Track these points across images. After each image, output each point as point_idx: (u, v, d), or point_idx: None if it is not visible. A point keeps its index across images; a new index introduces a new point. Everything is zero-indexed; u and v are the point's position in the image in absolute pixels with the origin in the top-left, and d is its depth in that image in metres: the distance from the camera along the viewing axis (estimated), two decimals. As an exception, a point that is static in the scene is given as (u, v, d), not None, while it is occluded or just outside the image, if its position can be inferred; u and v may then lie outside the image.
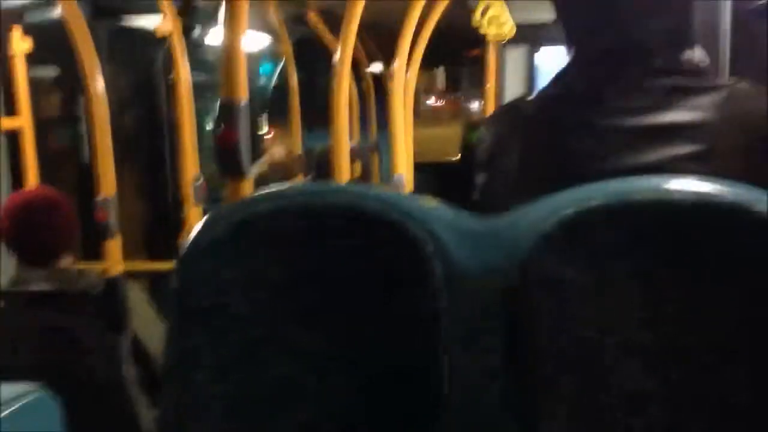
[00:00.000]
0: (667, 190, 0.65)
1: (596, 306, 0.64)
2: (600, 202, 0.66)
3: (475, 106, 6.51)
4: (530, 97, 1.02)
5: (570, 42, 0.98)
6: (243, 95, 1.03)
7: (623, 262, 0.64)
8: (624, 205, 0.66)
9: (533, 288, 0.66)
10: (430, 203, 0.75)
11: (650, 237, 0.64)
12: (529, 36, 4.27)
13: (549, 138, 0.93)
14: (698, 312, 0.62)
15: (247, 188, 1.09)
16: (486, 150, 1.04)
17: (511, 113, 1.05)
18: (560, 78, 0.99)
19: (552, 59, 4.53)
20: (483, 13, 2.79)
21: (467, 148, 4.63)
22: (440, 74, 7.11)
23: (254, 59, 5.01)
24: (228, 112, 1.02)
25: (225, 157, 1.05)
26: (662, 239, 0.63)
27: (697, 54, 0.93)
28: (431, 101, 7.23)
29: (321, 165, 3.72)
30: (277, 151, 3.95)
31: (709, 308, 0.62)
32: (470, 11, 2.91)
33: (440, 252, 0.68)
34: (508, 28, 2.85)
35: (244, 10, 1.19)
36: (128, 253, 2.85)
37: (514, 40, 3.18)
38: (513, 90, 4.47)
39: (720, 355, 0.62)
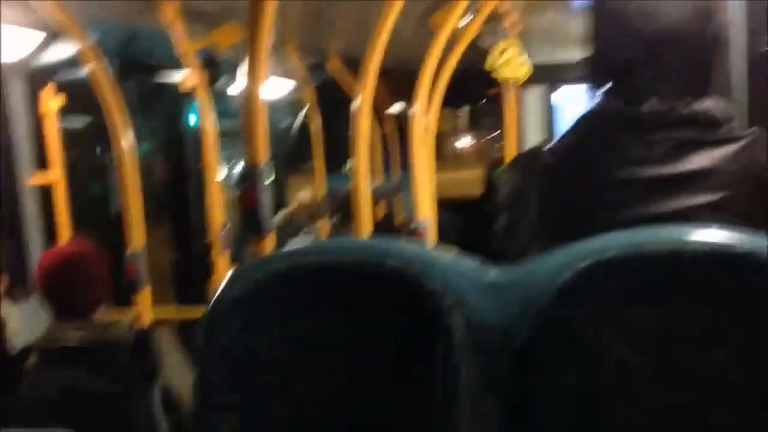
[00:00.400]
0: (682, 241, 0.65)
1: (613, 357, 0.64)
2: (615, 253, 0.67)
3: (498, 145, 6.54)
4: (549, 145, 1.03)
5: (597, 87, 0.99)
6: (263, 156, 1.06)
7: (639, 313, 0.64)
8: (639, 256, 0.66)
9: (550, 340, 0.66)
10: (448, 255, 0.76)
11: (666, 288, 0.64)
12: (548, 76, 4.31)
13: (567, 187, 0.94)
14: (716, 364, 0.62)
15: (269, 243, 1.11)
16: (506, 196, 1.05)
17: (529, 161, 1.06)
18: (579, 126, 1.00)
19: (571, 98, 4.55)
20: (496, 57, 2.80)
21: (490, 185, 4.64)
22: (464, 115, 7.15)
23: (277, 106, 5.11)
24: (250, 173, 1.05)
25: (247, 215, 1.08)
26: (678, 290, 0.64)
27: (715, 104, 0.93)
28: (458, 142, 7.25)
29: (343, 207, 3.75)
30: (303, 196, 4.00)
31: (727, 360, 0.62)
32: (487, 53, 2.94)
33: (458, 305, 0.69)
34: (524, 71, 2.85)
35: (265, 65, 1.23)
36: (158, 299, 2.89)
37: (533, 80, 3.20)
38: (532, 129, 4.49)
39: (740, 413, 0.62)
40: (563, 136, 1.02)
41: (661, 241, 0.66)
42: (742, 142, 0.89)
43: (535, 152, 1.05)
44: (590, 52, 0.99)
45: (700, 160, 0.88)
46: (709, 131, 0.91)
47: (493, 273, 0.73)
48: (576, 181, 0.94)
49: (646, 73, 0.94)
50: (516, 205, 1.03)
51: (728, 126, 0.92)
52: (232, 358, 0.72)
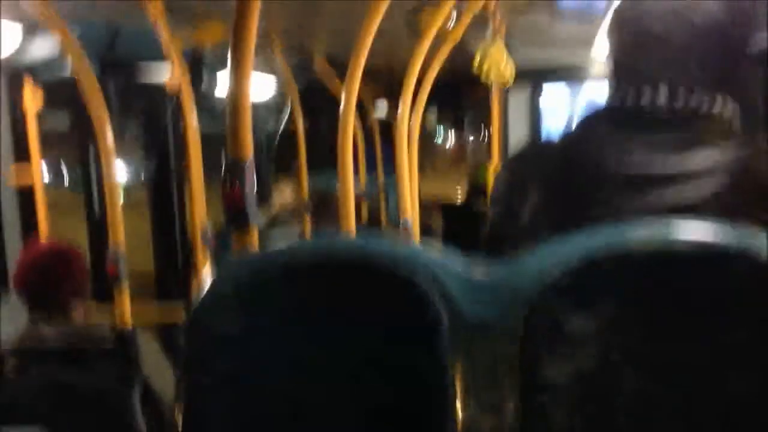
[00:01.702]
0: (670, 237, 0.66)
1: (602, 352, 0.64)
2: (605, 250, 0.67)
3: (480, 148, 6.58)
4: (555, 140, 1.02)
5: (614, 83, 0.98)
6: (248, 153, 1.05)
7: (628, 308, 0.64)
8: (628, 253, 0.66)
9: (539, 336, 0.66)
10: (437, 252, 0.75)
11: (654, 283, 0.64)
12: (532, 78, 4.33)
13: (568, 182, 0.94)
14: (703, 356, 0.62)
15: (254, 240, 1.10)
16: (504, 184, 1.04)
17: (534, 153, 1.06)
18: (586, 122, 1.00)
19: (555, 100, 4.57)
20: (482, 59, 2.81)
21: (473, 189, 4.65)
22: (446, 117, 7.18)
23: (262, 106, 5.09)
24: (234, 169, 1.05)
25: (232, 212, 1.07)
26: (666, 285, 0.64)
27: (716, 103, 0.94)
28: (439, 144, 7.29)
29: (318, 207, 3.76)
30: (284, 195, 4.00)
31: (714, 353, 0.62)
32: (472, 56, 2.94)
33: (447, 302, 0.69)
34: (509, 73, 2.86)
35: (250, 62, 1.21)
36: (138, 301, 2.86)
37: (518, 82, 3.21)
38: (517, 131, 4.50)
39: (727, 403, 0.62)
40: (570, 132, 1.01)
41: (650, 238, 0.66)
42: (738, 141, 0.90)
43: (541, 145, 1.05)
44: (606, 52, 1.00)
45: (699, 159, 0.88)
46: (710, 129, 0.92)
47: (482, 270, 0.73)
48: (577, 177, 0.94)
49: (650, 71, 0.94)
50: (513, 196, 1.02)
51: (729, 123, 0.93)
52: (219, 353, 0.71)
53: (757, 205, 0.85)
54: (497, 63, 2.79)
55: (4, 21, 2.47)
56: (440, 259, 0.73)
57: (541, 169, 0.98)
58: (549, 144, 1.03)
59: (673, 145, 0.90)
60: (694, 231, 0.65)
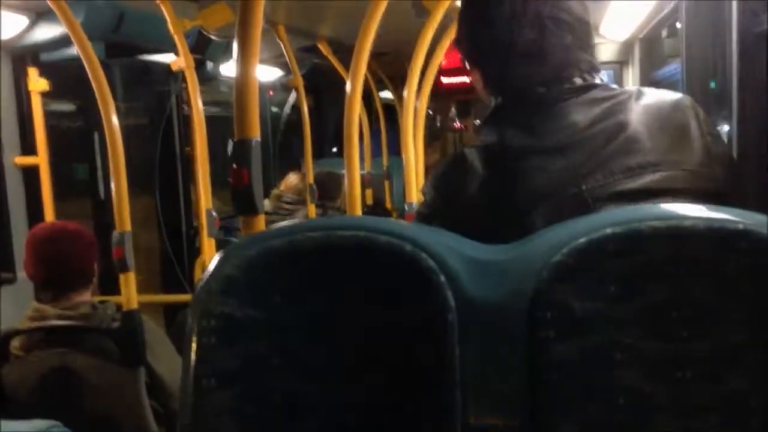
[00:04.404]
0: (678, 217, 0.65)
1: (608, 331, 0.64)
2: (612, 230, 0.67)
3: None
4: (475, 145, 1.00)
5: (496, 91, 1.02)
6: (255, 133, 1.05)
7: (634, 287, 0.64)
8: (635, 233, 0.66)
9: (545, 315, 0.66)
10: (443, 233, 0.75)
11: (660, 262, 0.64)
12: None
13: (492, 181, 0.93)
14: (709, 330, 0.62)
15: (260, 223, 1.10)
16: (436, 197, 1.01)
17: (459, 161, 1.02)
18: (492, 124, 1.00)
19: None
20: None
21: None
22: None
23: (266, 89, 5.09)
24: (241, 150, 1.04)
25: (239, 193, 1.06)
26: (672, 264, 0.64)
27: (598, 76, 0.99)
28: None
29: (323, 188, 3.78)
30: (291, 179, 4.01)
31: (720, 325, 0.62)
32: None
33: (452, 282, 0.68)
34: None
35: (257, 44, 1.21)
36: (143, 286, 2.87)
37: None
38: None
39: (728, 369, 0.62)
40: (484, 136, 1.00)
41: (657, 218, 0.65)
42: (632, 92, 0.95)
43: (463, 152, 1.02)
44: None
45: (607, 121, 0.92)
46: (603, 91, 0.97)
47: (488, 251, 0.73)
48: (499, 176, 0.94)
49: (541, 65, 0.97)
50: (447, 206, 0.99)
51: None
52: (225, 331, 0.71)
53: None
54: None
55: (9, 3, 2.46)
56: (447, 238, 0.73)
57: (470, 174, 0.96)
58: (472, 149, 1.00)
59: (581, 121, 0.94)
60: (700, 211, 0.65)
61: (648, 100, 0.95)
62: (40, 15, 2.72)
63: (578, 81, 0.96)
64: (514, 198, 0.90)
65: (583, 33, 1.00)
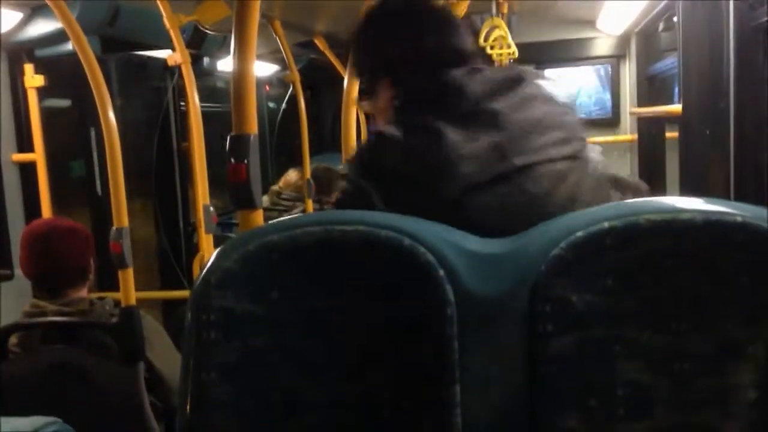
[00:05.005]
0: (676, 210, 0.66)
1: (607, 324, 0.64)
2: (610, 224, 0.67)
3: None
4: (388, 140, 1.00)
5: (400, 87, 1.08)
6: (253, 128, 1.05)
7: (633, 281, 0.64)
8: (633, 226, 0.66)
9: (544, 309, 0.66)
10: (441, 228, 0.75)
11: (659, 255, 0.64)
12: (534, 56, 4.30)
13: (410, 178, 0.93)
14: (707, 323, 0.62)
15: (259, 218, 1.10)
16: (352, 196, 1.00)
17: (379, 139, 1.02)
18: (399, 120, 1.01)
19: (556, 78, 4.54)
20: (488, 35, 2.80)
21: None
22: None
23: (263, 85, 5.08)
24: (238, 145, 1.04)
25: (236, 189, 1.06)
26: (670, 257, 0.64)
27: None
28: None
29: (320, 183, 3.78)
30: (290, 175, 4.02)
31: (718, 318, 0.62)
32: (476, 33, 2.92)
33: (451, 276, 0.69)
34: (511, 51, 2.88)
35: (253, 39, 1.21)
36: (141, 282, 2.87)
37: (520, 60, 3.19)
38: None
39: (727, 361, 0.62)
40: (388, 132, 1.01)
41: (656, 211, 0.66)
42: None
43: (373, 148, 1.01)
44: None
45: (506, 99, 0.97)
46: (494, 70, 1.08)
47: (487, 245, 0.73)
48: (413, 169, 0.94)
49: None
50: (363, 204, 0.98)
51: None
52: (224, 325, 0.71)
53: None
54: (504, 38, 2.78)
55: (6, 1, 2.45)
56: (446, 233, 0.73)
57: (383, 172, 0.96)
58: (386, 144, 0.99)
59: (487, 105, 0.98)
60: (698, 204, 0.65)
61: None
62: (35, 10, 2.71)
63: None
64: (437, 159, 0.92)
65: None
